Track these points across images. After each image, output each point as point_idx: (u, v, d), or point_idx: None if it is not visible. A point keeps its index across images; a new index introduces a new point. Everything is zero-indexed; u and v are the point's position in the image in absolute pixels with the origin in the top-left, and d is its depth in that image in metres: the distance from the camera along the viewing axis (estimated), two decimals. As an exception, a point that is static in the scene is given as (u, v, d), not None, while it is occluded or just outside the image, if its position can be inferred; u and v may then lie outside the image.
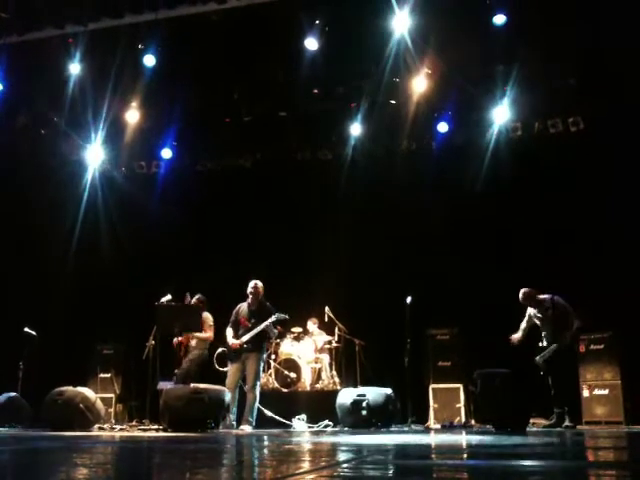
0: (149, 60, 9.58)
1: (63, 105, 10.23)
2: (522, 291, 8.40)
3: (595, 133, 9.62)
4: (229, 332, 8.51)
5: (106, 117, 10.54)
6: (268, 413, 8.90)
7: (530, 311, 8.51)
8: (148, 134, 11.20)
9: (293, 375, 9.92)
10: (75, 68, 9.83)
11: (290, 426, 8.74)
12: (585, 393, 8.86)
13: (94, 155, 11.40)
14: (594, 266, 9.00)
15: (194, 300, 8.93)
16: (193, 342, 8.90)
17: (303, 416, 8.78)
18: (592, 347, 8.92)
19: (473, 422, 9.08)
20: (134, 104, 10.72)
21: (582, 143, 9.67)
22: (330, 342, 10.27)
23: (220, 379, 8.49)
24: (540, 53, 8.98)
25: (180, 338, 8.76)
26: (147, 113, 10.88)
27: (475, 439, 6.17)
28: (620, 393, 8.58)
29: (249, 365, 8.31)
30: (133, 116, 10.85)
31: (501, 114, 10.17)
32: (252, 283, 8.58)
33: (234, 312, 8.61)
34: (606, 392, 8.70)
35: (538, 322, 8.43)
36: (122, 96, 10.37)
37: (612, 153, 9.11)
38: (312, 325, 10.42)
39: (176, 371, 8.59)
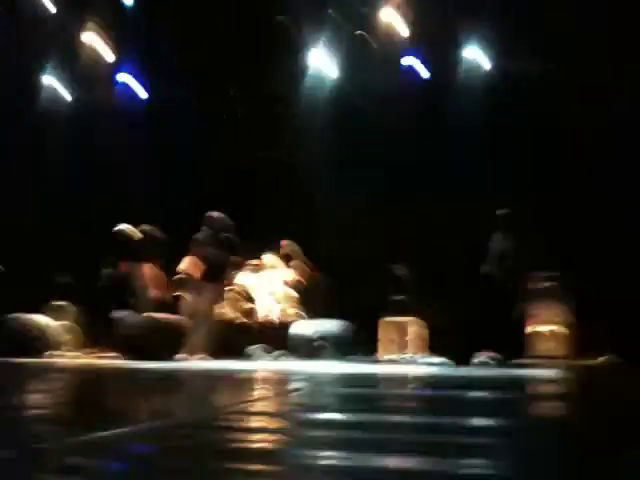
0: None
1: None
2: (505, 212, 8.39)
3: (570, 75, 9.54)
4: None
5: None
6: None
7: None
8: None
9: (247, 306, 9.95)
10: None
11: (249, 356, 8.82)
12: (529, 329, 9.11)
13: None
14: (549, 206, 9.10)
15: (143, 229, 8.78)
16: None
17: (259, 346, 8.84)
18: (541, 285, 9.12)
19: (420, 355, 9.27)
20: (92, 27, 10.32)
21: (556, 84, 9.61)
22: (291, 275, 10.26)
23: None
24: None
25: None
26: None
27: (422, 371, 6.37)
28: (566, 329, 8.84)
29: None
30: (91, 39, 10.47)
31: (472, 50, 9.97)
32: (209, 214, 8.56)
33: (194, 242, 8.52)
34: (552, 328, 8.96)
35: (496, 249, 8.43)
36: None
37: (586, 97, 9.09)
38: (273, 258, 10.38)
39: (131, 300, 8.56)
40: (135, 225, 8.84)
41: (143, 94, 11.34)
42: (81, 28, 10.33)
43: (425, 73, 10.31)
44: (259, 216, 9.95)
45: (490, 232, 8.47)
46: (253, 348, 8.68)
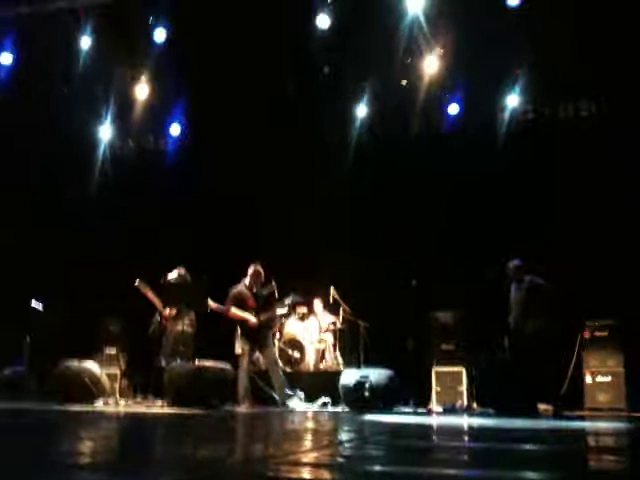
0: (160, 35, 9.56)
1: (74, 79, 10.21)
2: (514, 264, 8.23)
3: (606, 118, 9.54)
4: (244, 314, 8.46)
5: (116, 92, 10.53)
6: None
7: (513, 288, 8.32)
8: (157, 110, 11.17)
9: (297, 355, 9.97)
10: (86, 42, 9.80)
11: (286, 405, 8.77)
12: (588, 379, 8.88)
13: (104, 130, 11.40)
14: (601, 252, 8.96)
15: (175, 274, 8.88)
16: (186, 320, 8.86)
17: (301, 394, 8.78)
18: (596, 334, 8.92)
19: (475, 406, 9.11)
20: (143, 78, 10.68)
21: (593, 128, 9.60)
22: (335, 323, 10.29)
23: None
24: (553, 37, 8.86)
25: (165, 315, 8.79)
26: (156, 88, 10.84)
27: (476, 422, 6.20)
28: (623, 380, 8.59)
29: (267, 343, 8.47)
30: (142, 91, 10.82)
31: (513, 97, 10.09)
32: (252, 268, 8.60)
33: (236, 295, 8.53)
34: (609, 379, 8.71)
35: (514, 302, 8.23)
36: (132, 71, 10.34)
37: (623, 139, 9.04)
38: (317, 305, 10.43)
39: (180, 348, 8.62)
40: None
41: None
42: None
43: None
44: (303, 263, 10.03)
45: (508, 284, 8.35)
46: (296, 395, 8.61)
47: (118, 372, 10.02)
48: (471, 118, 10.48)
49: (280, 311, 9.02)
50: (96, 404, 8.29)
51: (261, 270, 8.62)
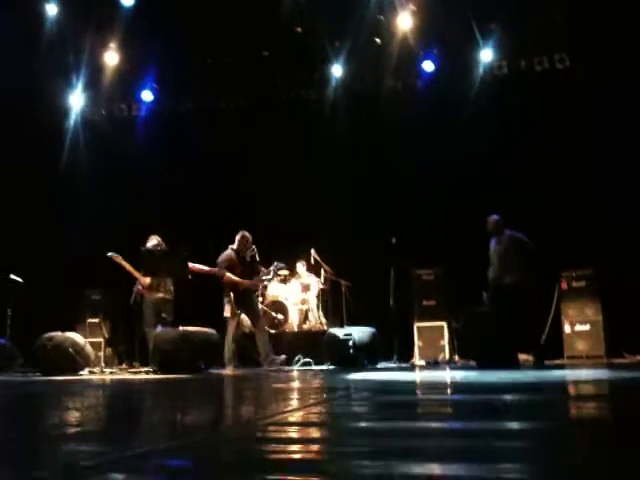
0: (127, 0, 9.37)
1: (41, 49, 9.98)
2: (493, 218, 8.27)
3: (581, 70, 9.56)
4: (236, 278, 8.50)
5: (86, 60, 10.31)
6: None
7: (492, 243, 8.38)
8: (128, 76, 10.97)
9: (280, 316, 10.05)
10: (52, 9, 9.55)
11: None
12: (567, 329, 9.06)
13: (75, 99, 11.18)
14: (576, 204, 9.06)
15: (154, 242, 8.85)
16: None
17: (283, 356, 8.87)
18: (574, 284, 9.08)
19: (457, 359, 9.28)
20: (113, 45, 10.46)
21: (568, 80, 9.61)
22: (317, 283, 10.35)
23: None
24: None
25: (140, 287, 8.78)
26: (126, 55, 10.63)
27: (458, 375, 6.32)
28: (601, 328, 8.78)
29: (254, 307, 8.63)
30: (112, 58, 10.60)
31: (487, 53, 10.04)
32: (240, 234, 8.60)
33: (226, 260, 8.56)
34: (587, 328, 8.89)
35: (495, 256, 8.29)
36: (101, 38, 10.12)
37: (598, 90, 9.07)
38: (300, 267, 10.48)
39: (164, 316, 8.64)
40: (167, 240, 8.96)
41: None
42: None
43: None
44: (284, 226, 10.04)
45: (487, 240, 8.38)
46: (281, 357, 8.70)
47: (102, 340, 10.04)
48: (446, 74, 10.44)
49: (265, 277, 9.06)
50: (81, 373, 8.30)
51: (249, 236, 8.64)
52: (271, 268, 8.82)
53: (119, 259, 8.70)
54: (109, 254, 8.70)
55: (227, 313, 8.52)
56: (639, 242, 8.58)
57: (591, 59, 9.47)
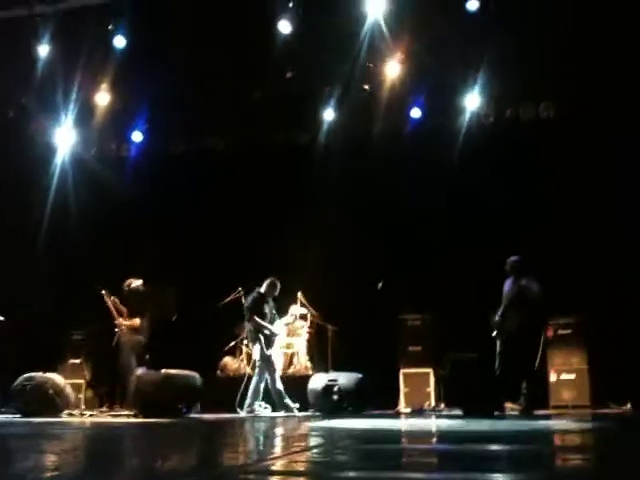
0: (119, 41, 9.47)
1: (32, 87, 10.05)
2: (512, 260, 8.28)
3: (566, 120, 9.72)
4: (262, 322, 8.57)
5: (76, 99, 10.37)
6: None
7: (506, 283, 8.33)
8: (119, 117, 11.05)
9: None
10: (44, 49, 9.65)
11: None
12: (552, 377, 9.00)
13: (64, 137, 11.21)
14: (565, 252, 9.10)
15: (136, 285, 8.80)
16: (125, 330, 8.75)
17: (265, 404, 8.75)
18: (560, 332, 9.06)
19: (442, 406, 9.19)
20: (104, 86, 10.55)
21: (553, 130, 9.77)
22: (303, 327, 10.26)
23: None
24: (512, 39, 9.01)
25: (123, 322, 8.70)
26: (117, 95, 10.72)
27: (444, 424, 6.25)
28: (587, 378, 8.73)
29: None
30: (103, 98, 10.68)
31: (473, 100, 10.21)
32: (270, 279, 8.73)
33: (257, 305, 8.62)
34: (573, 377, 8.85)
35: (505, 297, 8.24)
36: (92, 78, 10.20)
37: (584, 140, 9.21)
38: (294, 309, 10.39)
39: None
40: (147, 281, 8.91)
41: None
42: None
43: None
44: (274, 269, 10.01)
45: (502, 279, 8.37)
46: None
47: (83, 382, 9.86)
48: (433, 121, 10.59)
49: (286, 323, 9.28)
50: (61, 415, 8.14)
51: (278, 284, 8.76)
52: (291, 312, 8.90)
53: (110, 299, 8.63)
54: (103, 292, 8.65)
55: (257, 355, 8.45)
56: (625, 292, 8.61)
57: (577, 110, 9.63)
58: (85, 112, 10.81)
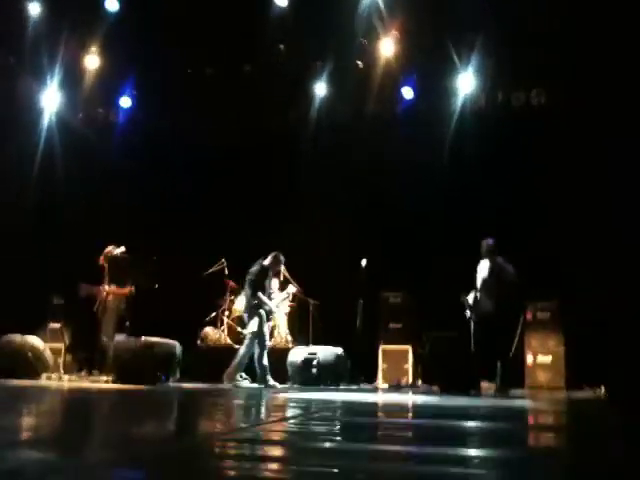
0: (112, 4, 9.32)
1: (20, 46, 9.88)
2: (487, 242, 8.25)
3: (556, 108, 9.73)
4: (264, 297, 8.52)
5: (65, 61, 10.22)
6: None
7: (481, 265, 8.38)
8: (108, 81, 10.89)
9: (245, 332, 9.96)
10: (35, 8, 9.48)
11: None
12: (529, 359, 9.13)
13: (51, 99, 11.06)
14: (544, 236, 9.17)
15: (117, 252, 8.77)
16: (110, 297, 8.75)
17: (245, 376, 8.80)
18: (538, 315, 9.17)
19: (420, 383, 9.29)
20: (94, 49, 10.40)
21: (543, 117, 9.78)
22: (284, 300, 10.28)
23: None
24: (506, 23, 8.97)
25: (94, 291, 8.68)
26: (107, 60, 10.57)
27: (421, 399, 6.33)
28: (562, 360, 8.87)
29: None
30: (93, 62, 10.53)
31: (466, 83, 10.18)
32: (274, 254, 8.59)
33: (262, 278, 8.53)
34: (549, 359, 8.98)
35: (480, 278, 8.30)
36: (82, 40, 10.05)
37: (573, 127, 9.24)
38: (275, 283, 10.39)
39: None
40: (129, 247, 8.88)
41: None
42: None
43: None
44: (256, 242, 10.00)
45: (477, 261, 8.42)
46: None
47: (62, 347, 9.85)
48: (424, 102, 10.56)
49: (283, 299, 9.09)
50: (40, 379, 8.14)
51: (282, 258, 8.65)
52: (287, 291, 8.83)
53: (90, 291, 8.63)
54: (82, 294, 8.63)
55: (254, 327, 8.39)
56: (603, 277, 8.70)
57: (568, 97, 9.64)
58: (73, 75, 10.66)
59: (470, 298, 8.10)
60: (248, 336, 8.36)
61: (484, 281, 8.13)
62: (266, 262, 8.52)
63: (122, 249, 8.73)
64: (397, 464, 2.16)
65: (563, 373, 8.82)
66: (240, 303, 10.23)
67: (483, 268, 8.24)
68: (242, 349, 8.37)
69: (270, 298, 8.56)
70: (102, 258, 8.74)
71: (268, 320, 8.53)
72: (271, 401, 5.44)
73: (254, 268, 8.55)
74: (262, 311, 8.32)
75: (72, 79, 10.75)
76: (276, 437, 2.85)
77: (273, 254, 8.58)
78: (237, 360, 8.30)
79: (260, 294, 8.34)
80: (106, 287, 8.65)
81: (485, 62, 9.78)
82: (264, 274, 8.51)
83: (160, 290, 9.16)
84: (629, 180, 8.54)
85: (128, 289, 8.64)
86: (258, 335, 8.28)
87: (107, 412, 4.37)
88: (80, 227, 10.40)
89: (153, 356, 7.51)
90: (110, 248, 8.75)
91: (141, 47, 10.06)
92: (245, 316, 8.73)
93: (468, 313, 8.08)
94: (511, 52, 9.43)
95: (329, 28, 9.67)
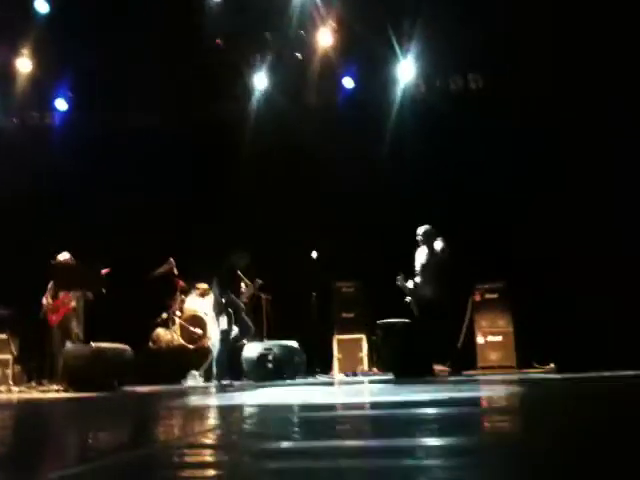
0: (41, 6, 9.06)
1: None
2: (424, 228, 8.39)
3: (494, 92, 9.90)
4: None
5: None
6: None
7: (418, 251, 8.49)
8: (41, 84, 10.59)
9: (199, 331, 9.88)
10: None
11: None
12: (480, 340, 9.31)
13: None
14: (490, 219, 9.34)
15: (63, 258, 8.61)
16: (72, 303, 8.60)
17: (196, 372, 8.76)
18: (487, 296, 9.36)
19: (375, 371, 9.38)
20: (25, 52, 10.10)
21: (481, 101, 9.94)
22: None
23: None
24: (443, 9, 9.07)
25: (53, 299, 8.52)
26: (40, 62, 10.27)
27: (376, 388, 6.38)
28: (512, 339, 9.08)
29: None
30: (25, 65, 10.23)
31: (406, 71, 10.26)
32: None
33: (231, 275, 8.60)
34: (499, 339, 9.18)
35: (419, 263, 8.42)
36: (11, 43, 9.76)
37: (510, 112, 9.40)
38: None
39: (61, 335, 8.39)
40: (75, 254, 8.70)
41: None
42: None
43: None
44: (206, 239, 9.90)
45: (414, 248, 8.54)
46: (193, 373, 8.57)
47: (10, 357, 9.59)
48: (365, 91, 10.61)
49: (248, 294, 9.07)
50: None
51: (247, 255, 8.76)
52: (253, 284, 8.87)
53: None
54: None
55: (224, 326, 8.32)
56: (548, 257, 8.92)
57: (504, 81, 9.81)
58: (5, 78, 10.34)
59: (410, 284, 8.22)
60: (218, 335, 8.32)
61: (422, 266, 8.27)
62: (232, 261, 8.56)
63: (66, 255, 8.53)
64: (358, 460, 2.16)
65: (514, 352, 9.03)
66: (191, 302, 10.15)
67: (421, 253, 8.37)
68: (217, 349, 8.32)
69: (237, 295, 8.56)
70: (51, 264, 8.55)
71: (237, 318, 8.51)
72: (226, 400, 5.41)
73: (222, 269, 8.58)
74: (230, 309, 8.31)
75: (4, 83, 10.43)
76: (226, 440, 2.83)
77: (238, 252, 8.60)
78: (216, 362, 8.26)
79: (229, 293, 8.34)
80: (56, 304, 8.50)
81: (423, 48, 9.87)
82: (232, 273, 8.53)
83: (108, 293, 8.98)
84: (577, 157, 8.76)
85: (73, 304, 8.49)
86: (227, 332, 8.27)
87: (60, 424, 4.28)
88: (22, 234, 10.13)
89: (104, 362, 7.37)
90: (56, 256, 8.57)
91: (75, 48, 9.81)
92: (212, 315, 8.70)
93: (408, 299, 8.21)
94: (447, 37, 9.53)
95: (267, 20, 9.62)
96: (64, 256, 8.53)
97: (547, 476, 1.74)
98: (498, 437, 2.60)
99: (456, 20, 9.08)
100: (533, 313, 8.80)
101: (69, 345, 7.99)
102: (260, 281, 9.00)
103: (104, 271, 8.61)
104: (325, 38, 10.00)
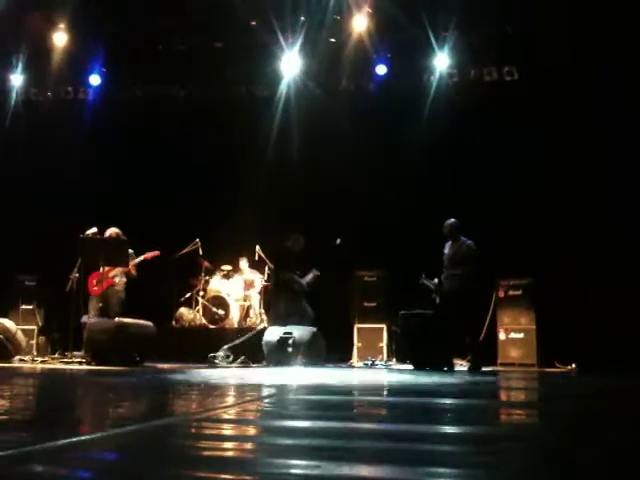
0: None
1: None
2: (449, 222, 8.31)
3: (529, 84, 9.77)
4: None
5: (31, 38, 10.00)
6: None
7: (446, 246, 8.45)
8: (76, 58, 10.67)
9: (221, 312, 9.95)
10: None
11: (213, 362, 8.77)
12: (501, 336, 9.25)
13: (16, 78, 10.83)
14: (519, 214, 9.24)
15: (111, 233, 8.71)
16: (117, 278, 8.72)
17: (220, 353, 8.82)
18: (510, 292, 9.27)
19: (394, 361, 9.37)
20: (62, 26, 10.18)
21: (516, 93, 9.81)
22: (260, 280, 10.29)
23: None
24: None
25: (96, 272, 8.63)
26: (75, 36, 10.35)
27: (395, 377, 6.39)
28: (534, 337, 8.99)
29: None
30: (60, 38, 10.31)
31: (441, 60, 10.16)
32: (295, 235, 8.90)
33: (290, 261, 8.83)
34: (521, 336, 9.10)
35: (446, 259, 8.37)
36: (49, 17, 9.83)
37: (545, 104, 9.28)
38: (243, 263, 10.39)
39: (100, 305, 8.48)
40: (104, 227, 8.78)
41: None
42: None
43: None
44: (232, 222, 9.95)
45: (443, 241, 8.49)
46: (219, 354, 8.64)
47: (35, 328, 9.76)
48: (398, 79, 10.53)
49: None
50: (12, 361, 8.07)
51: (302, 238, 8.95)
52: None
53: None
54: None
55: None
56: (573, 255, 8.82)
57: (539, 74, 9.68)
58: (40, 54, 10.44)
59: (434, 281, 8.20)
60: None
61: (449, 260, 8.23)
62: (288, 244, 8.74)
63: (94, 230, 8.62)
64: (372, 442, 2.17)
65: (535, 350, 8.94)
66: (215, 283, 10.22)
67: (448, 248, 8.34)
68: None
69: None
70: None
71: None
72: (246, 380, 5.45)
73: (279, 252, 8.93)
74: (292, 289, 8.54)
75: (39, 58, 10.53)
76: (250, 417, 2.86)
77: (294, 235, 8.91)
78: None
79: (288, 273, 8.53)
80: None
81: (458, 38, 9.77)
82: (288, 256, 8.72)
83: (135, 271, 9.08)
84: (600, 156, 8.64)
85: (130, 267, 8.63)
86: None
87: (82, 393, 4.35)
88: (50, 208, 10.26)
89: (128, 337, 7.47)
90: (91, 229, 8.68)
91: (109, 23, 9.88)
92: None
93: (434, 294, 8.18)
94: (483, 28, 9.43)
95: (302, 4, 9.58)
96: (90, 230, 8.61)
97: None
98: (510, 428, 2.59)
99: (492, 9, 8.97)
100: (557, 312, 8.70)
101: (93, 319, 8.11)
102: (317, 272, 9.10)
103: (151, 254, 8.75)
104: (360, 24, 9.92)
